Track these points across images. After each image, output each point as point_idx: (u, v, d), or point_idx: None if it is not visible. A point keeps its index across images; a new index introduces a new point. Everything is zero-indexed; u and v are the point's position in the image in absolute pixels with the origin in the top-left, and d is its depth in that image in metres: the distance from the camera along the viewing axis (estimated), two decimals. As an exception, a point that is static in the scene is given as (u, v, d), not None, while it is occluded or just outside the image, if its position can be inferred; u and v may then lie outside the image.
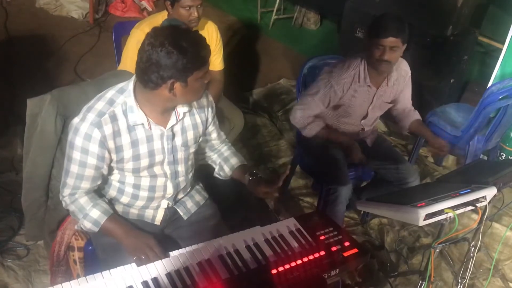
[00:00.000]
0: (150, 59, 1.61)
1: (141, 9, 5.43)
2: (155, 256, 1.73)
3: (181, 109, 1.83)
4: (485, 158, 3.62)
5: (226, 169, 2.10)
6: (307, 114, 2.63)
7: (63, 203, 1.88)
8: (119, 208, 1.97)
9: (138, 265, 1.68)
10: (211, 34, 2.92)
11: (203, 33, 2.87)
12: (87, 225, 1.85)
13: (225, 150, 2.14)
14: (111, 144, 1.75)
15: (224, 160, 2.12)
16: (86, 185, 1.82)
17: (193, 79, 1.66)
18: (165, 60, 1.60)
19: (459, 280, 2.32)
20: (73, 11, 5.09)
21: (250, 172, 2.02)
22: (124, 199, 1.94)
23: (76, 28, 4.89)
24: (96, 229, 1.85)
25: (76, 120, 1.75)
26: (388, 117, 2.94)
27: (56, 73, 4.14)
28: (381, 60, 2.42)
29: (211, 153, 2.15)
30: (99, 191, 1.94)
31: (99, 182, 1.86)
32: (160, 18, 2.70)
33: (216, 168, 2.14)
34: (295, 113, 2.67)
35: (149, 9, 5.46)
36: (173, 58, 1.60)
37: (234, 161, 2.10)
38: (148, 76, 1.64)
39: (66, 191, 1.84)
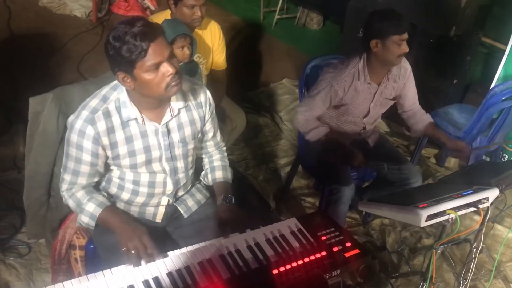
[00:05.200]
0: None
1: (144, 8, 5.43)
2: (144, 250, 1.70)
3: (176, 105, 1.83)
4: (488, 159, 3.61)
5: (209, 178, 2.11)
6: (310, 117, 2.62)
7: (63, 199, 1.90)
8: (120, 206, 1.97)
9: (127, 256, 1.67)
10: (214, 33, 2.92)
11: (206, 32, 2.88)
12: (84, 219, 1.86)
13: (217, 159, 2.13)
14: (105, 141, 1.76)
15: (211, 169, 2.11)
16: (82, 181, 1.84)
17: (140, 72, 1.63)
18: (107, 55, 1.63)
19: (461, 282, 2.31)
20: (76, 10, 5.09)
21: (224, 195, 2.01)
22: (125, 196, 1.94)
23: (79, 27, 4.90)
24: (93, 223, 1.85)
25: (71, 117, 1.77)
26: (398, 120, 2.91)
27: (58, 71, 4.15)
28: (402, 54, 2.45)
29: (203, 155, 2.15)
30: (97, 187, 1.95)
31: (95, 179, 1.88)
32: (162, 17, 2.70)
33: (203, 173, 2.15)
34: (298, 116, 2.66)
35: (152, 8, 5.46)
36: (110, 52, 1.61)
37: (219, 174, 2.10)
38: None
39: (64, 187, 1.87)
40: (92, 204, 1.84)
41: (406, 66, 2.69)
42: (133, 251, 1.70)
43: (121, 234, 1.79)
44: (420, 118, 2.79)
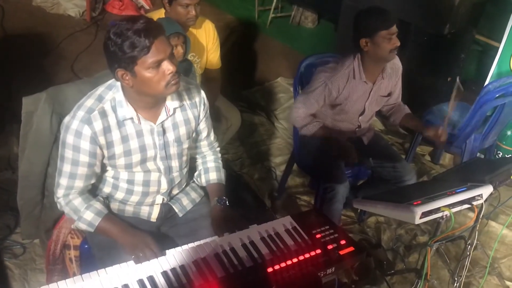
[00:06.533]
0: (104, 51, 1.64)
1: (138, 7, 5.42)
2: (152, 254, 1.73)
3: (171, 104, 1.83)
4: (482, 156, 3.62)
5: (203, 180, 2.11)
6: (304, 114, 2.63)
7: (58, 205, 1.87)
8: (114, 205, 1.97)
9: (136, 263, 1.68)
10: (208, 32, 2.92)
11: (200, 31, 2.87)
12: (82, 226, 1.85)
13: (210, 160, 2.13)
14: (102, 140, 1.75)
15: (205, 170, 2.11)
16: (79, 184, 1.82)
17: (141, 69, 1.62)
18: (107, 52, 1.62)
19: (456, 278, 2.32)
20: (70, 9, 5.07)
21: (218, 197, 2.01)
22: (119, 195, 1.94)
23: (73, 26, 4.88)
24: (92, 230, 1.85)
25: (67, 118, 1.76)
26: (378, 112, 2.93)
27: (53, 71, 4.13)
28: (394, 48, 2.44)
29: (197, 155, 2.15)
30: (93, 191, 1.94)
31: (92, 181, 1.86)
32: (157, 16, 2.69)
33: (196, 173, 2.14)
34: (292, 113, 2.68)
35: (146, 7, 5.44)
36: (111, 48, 1.60)
37: (213, 176, 2.09)
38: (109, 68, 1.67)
39: (60, 192, 1.83)
40: (91, 213, 1.83)
41: (399, 64, 2.71)
42: (141, 256, 1.71)
43: (125, 242, 1.80)
44: (398, 109, 2.83)
